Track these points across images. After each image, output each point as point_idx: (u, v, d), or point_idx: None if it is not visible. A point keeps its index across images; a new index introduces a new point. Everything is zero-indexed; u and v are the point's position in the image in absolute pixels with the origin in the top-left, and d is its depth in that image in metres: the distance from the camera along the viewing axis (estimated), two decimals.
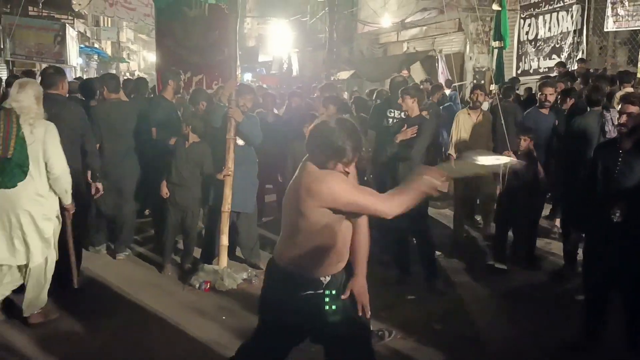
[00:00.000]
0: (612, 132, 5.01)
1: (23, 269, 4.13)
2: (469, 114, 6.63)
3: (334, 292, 2.63)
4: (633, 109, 3.56)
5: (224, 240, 5.15)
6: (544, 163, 5.79)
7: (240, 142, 5.24)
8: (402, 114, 5.73)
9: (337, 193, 2.48)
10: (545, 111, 6.09)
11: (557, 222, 6.55)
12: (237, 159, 5.17)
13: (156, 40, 8.38)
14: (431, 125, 5.35)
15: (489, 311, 4.77)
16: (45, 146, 3.99)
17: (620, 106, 3.63)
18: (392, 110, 6.00)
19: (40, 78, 5.19)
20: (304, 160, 2.64)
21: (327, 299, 2.61)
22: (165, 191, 5.29)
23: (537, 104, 6.19)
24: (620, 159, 3.63)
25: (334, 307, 2.62)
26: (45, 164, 4.01)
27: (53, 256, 4.21)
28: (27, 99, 3.99)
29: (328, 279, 2.65)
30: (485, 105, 7.58)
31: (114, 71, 30.49)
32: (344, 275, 2.73)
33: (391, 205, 2.54)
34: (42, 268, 4.13)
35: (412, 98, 5.29)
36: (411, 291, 5.00)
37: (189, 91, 7.73)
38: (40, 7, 15.01)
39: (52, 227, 4.16)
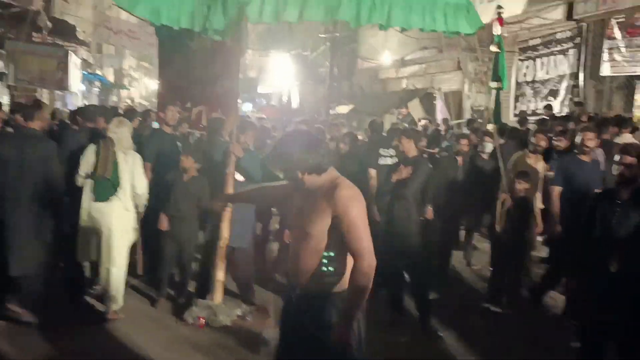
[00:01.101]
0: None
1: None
2: (528, 157, 6.27)
3: None
4: (630, 160, 3.61)
5: (220, 275, 5.12)
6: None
7: (239, 178, 5.26)
8: (392, 150, 5.94)
9: None
10: (586, 158, 5.51)
11: None
12: None
13: (158, 71, 8.46)
14: (426, 167, 5.40)
15: (483, 355, 4.73)
16: (133, 171, 5.00)
17: (618, 157, 3.68)
18: (385, 150, 6.17)
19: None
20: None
21: None
22: (165, 224, 5.29)
23: (576, 150, 5.62)
24: (617, 209, 3.66)
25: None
26: (132, 185, 4.99)
27: (126, 261, 5.08)
28: (123, 133, 5.03)
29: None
30: (489, 147, 7.31)
31: (115, 98, 30.70)
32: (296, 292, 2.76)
33: None
34: (122, 270, 4.99)
35: (408, 139, 5.38)
36: (405, 332, 4.97)
37: (189, 122, 7.79)
38: (45, 34, 15.19)
39: (132, 236, 5.12)
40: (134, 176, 5.01)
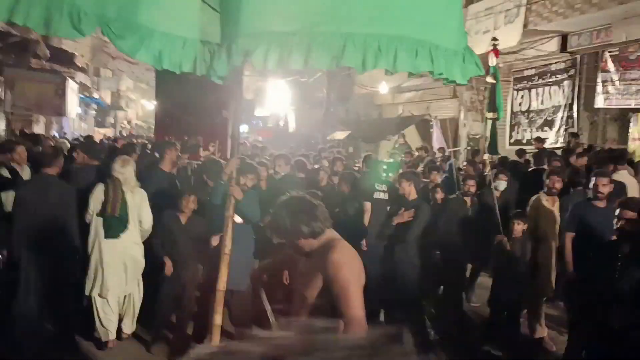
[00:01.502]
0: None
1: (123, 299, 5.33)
2: (546, 200, 6.09)
3: None
4: (631, 214, 3.62)
5: (217, 319, 5.04)
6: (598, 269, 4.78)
7: (238, 219, 5.24)
8: (385, 186, 6.08)
9: None
10: (600, 204, 5.23)
11: None
12: (233, 237, 5.14)
13: (155, 95, 8.46)
14: (427, 210, 5.42)
15: None
16: (140, 207, 5.28)
17: (618, 211, 3.70)
18: (379, 184, 6.23)
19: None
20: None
21: None
22: (170, 269, 5.25)
23: (591, 195, 5.38)
24: (619, 263, 3.66)
25: None
26: (139, 221, 5.27)
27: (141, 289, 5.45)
28: (128, 172, 5.24)
29: None
30: (503, 185, 7.08)
31: (112, 120, 30.71)
32: None
33: None
34: (138, 298, 5.38)
35: (408, 181, 5.39)
36: None
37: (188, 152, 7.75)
38: (43, 61, 15.22)
39: (143, 265, 5.39)
40: (140, 212, 5.29)
